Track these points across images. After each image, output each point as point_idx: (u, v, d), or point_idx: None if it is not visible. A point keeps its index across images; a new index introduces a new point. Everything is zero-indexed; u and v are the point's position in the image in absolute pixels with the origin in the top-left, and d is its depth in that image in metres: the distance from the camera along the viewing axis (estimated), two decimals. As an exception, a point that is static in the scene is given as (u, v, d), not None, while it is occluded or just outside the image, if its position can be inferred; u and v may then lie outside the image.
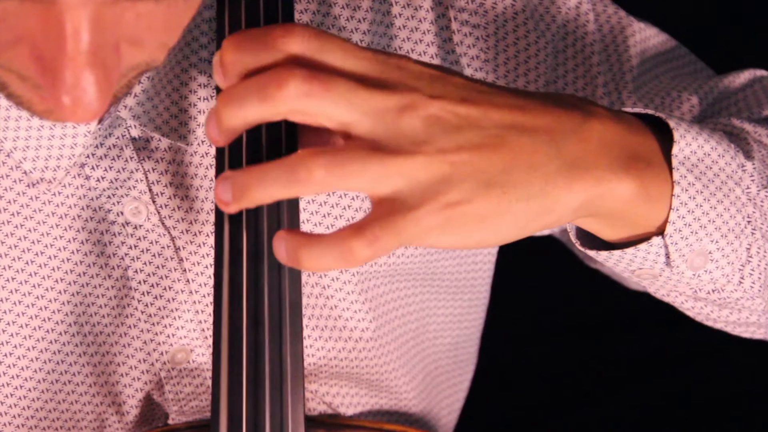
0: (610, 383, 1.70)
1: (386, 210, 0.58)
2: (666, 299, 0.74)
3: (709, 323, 0.76)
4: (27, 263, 0.73)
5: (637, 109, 0.68)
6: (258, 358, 0.62)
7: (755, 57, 1.10)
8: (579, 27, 0.80)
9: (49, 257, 0.73)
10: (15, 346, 0.74)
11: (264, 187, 0.58)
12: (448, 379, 0.91)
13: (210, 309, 0.75)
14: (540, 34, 0.79)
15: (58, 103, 0.55)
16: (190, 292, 0.75)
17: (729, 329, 0.77)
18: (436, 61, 0.77)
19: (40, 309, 0.74)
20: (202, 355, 0.76)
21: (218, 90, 0.63)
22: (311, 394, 0.80)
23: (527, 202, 0.60)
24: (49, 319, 0.74)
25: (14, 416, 0.76)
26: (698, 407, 1.66)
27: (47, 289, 0.74)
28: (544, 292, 1.68)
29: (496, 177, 0.59)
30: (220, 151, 0.64)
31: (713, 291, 0.70)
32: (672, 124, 0.66)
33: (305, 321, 0.78)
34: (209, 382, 0.77)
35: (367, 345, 0.81)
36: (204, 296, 0.75)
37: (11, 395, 0.76)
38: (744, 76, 0.83)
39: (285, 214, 0.63)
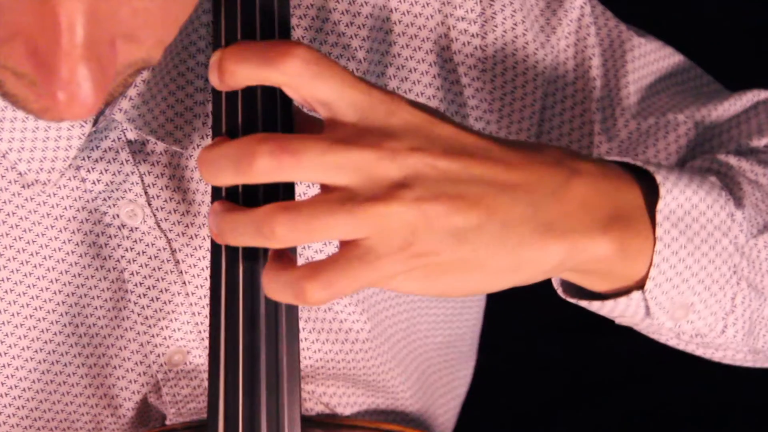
0: (610, 384, 1.71)
1: (349, 254, 0.57)
2: (651, 336, 0.73)
3: (698, 354, 0.75)
4: (22, 263, 0.73)
5: (626, 159, 0.66)
6: (254, 358, 0.62)
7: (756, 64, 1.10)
8: (579, 40, 0.79)
9: (44, 258, 0.73)
10: (9, 346, 0.74)
11: (235, 237, 0.58)
12: (440, 377, 0.91)
13: (206, 310, 0.75)
14: (539, 45, 0.78)
15: (54, 99, 0.54)
16: (187, 294, 0.75)
17: (716, 360, 0.76)
18: (434, 70, 0.76)
19: (35, 309, 0.74)
20: (199, 357, 0.76)
21: (214, 91, 0.62)
22: (308, 394, 0.80)
23: (497, 260, 0.59)
24: (43, 319, 0.74)
25: (9, 416, 0.76)
26: (697, 408, 1.66)
27: (42, 290, 0.73)
28: (544, 293, 1.69)
29: (468, 233, 0.58)
30: None
31: (696, 336, 0.70)
32: (659, 179, 0.65)
33: (302, 324, 0.78)
34: (206, 384, 0.76)
35: (363, 346, 0.80)
36: (201, 298, 0.75)
37: (6, 395, 0.75)
38: (746, 98, 0.81)
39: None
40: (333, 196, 0.57)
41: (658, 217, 0.64)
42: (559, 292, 0.70)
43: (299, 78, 0.57)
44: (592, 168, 0.63)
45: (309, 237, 0.56)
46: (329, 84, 0.57)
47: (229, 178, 0.58)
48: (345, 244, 0.57)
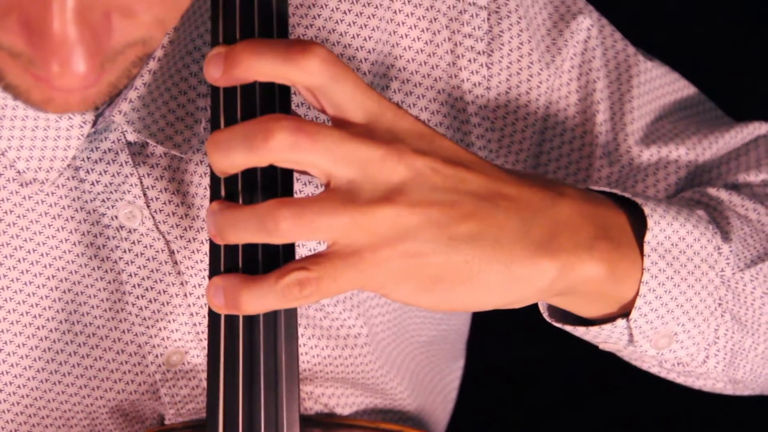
0: (607, 386, 1.72)
1: (335, 254, 0.57)
2: (633, 363, 0.73)
3: (678, 383, 0.76)
4: (18, 261, 0.72)
5: (614, 190, 0.67)
6: (253, 358, 0.62)
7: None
8: (584, 63, 0.78)
9: (41, 255, 0.72)
10: (5, 343, 0.73)
11: (235, 232, 0.58)
12: (427, 374, 0.90)
13: (204, 311, 0.75)
14: (544, 66, 0.77)
15: (48, 72, 0.53)
16: (185, 295, 0.74)
17: (697, 388, 0.77)
18: (439, 85, 0.76)
19: (31, 306, 0.73)
20: (197, 357, 0.76)
21: (213, 94, 0.61)
22: (307, 395, 0.79)
23: (488, 274, 0.59)
24: (39, 316, 0.73)
25: (3, 411, 0.75)
26: (693, 412, 1.68)
27: (38, 287, 0.73)
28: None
29: (460, 243, 0.58)
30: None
31: (678, 364, 0.70)
32: (647, 210, 0.65)
33: (302, 329, 0.77)
34: (205, 384, 0.76)
35: (362, 351, 0.80)
36: (198, 298, 0.74)
37: (0, 391, 0.75)
38: (747, 131, 0.81)
39: None
40: (336, 195, 0.57)
41: (646, 249, 0.65)
42: (545, 315, 0.70)
43: (317, 77, 0.57)
44: (576, 193, 0.64)
45: (311, 234, 0.56)
46: (345, 86, 0.58)
47: (238, 157, 0.57)
48: (332, 245, 0.58)
